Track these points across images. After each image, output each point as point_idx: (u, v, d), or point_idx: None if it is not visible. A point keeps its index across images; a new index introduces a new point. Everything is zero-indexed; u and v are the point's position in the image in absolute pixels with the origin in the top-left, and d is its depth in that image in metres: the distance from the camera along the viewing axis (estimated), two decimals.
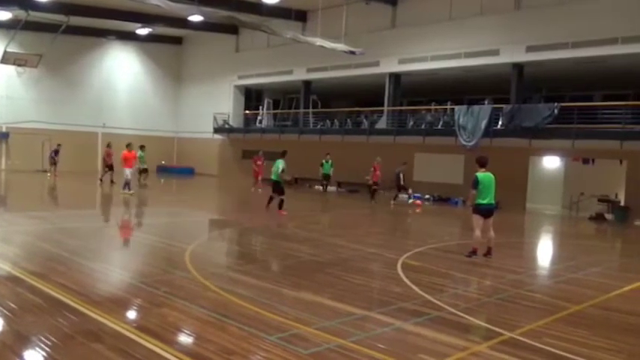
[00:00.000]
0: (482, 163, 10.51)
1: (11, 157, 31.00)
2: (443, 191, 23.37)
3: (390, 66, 25.84)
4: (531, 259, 11.80)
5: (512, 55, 21.85)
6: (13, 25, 26.20)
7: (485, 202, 10.14)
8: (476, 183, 10.12)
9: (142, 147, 23.05)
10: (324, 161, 24.33)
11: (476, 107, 22.71)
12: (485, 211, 10.12)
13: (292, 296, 6.80)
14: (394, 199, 21.13)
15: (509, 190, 21.26)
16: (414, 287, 7.49)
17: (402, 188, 21.12)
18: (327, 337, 5.24)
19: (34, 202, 17.87)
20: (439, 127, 24.22)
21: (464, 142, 22.42)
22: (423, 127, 24.64)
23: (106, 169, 23.14)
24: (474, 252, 10.08)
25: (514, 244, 13.23)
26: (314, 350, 4.89)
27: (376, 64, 26.07)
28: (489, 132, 21.89)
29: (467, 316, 6.17)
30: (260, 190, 22.40)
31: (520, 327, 5.87)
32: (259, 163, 24.74)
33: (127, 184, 18.83)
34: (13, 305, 5.90)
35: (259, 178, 24.23)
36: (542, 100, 24.64)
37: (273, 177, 15.55)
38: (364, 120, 27.71)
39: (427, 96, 29.32)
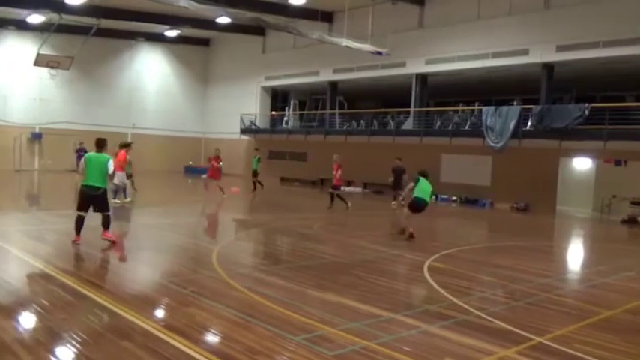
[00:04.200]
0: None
1: (44, 157, 31.77)
2: (470, 193, 23.13)
3: (417, 66, 25.70)
4: (561, 263, 11.58)
5: (542, 54, 21.51)
6: (46, 28, 26.83)
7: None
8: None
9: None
10: (253, 157, 23.59)
11: (504, 108, 22.41)
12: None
13: (317, 297, 6.81)
14: (397, 200, 19.40)
15: (538, 192, 21.01)
16: (440, 290, 7.43)
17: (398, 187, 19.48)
18: (352, 338, 5.24)
19: (65, 201, 18.26)
20: (466, 128, 23.98)
21: (492, 144, 22.15)
22: (449, 128, 24.43)
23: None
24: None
25: (543, 247, 13.01)
26: (339, 352, 4.89)
27: (403, 64, 25.96)
28: (518, 133, 21.59)
29: (495, 320, 6.09)
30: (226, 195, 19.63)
31: (549, 332, 5.77)
32: (217, 165, 20.06)
33: (123, 191, 16.28)
34: (45, 302, 6.05)
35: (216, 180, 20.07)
36: (573, 100, 24.19)
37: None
38: (390, 121, 27.59)
39: (454, 96, 29.07)
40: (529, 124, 21.74)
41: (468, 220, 18.51)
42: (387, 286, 7.77)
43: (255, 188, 23.04)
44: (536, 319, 6.31)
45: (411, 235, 11.69)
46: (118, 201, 15.93)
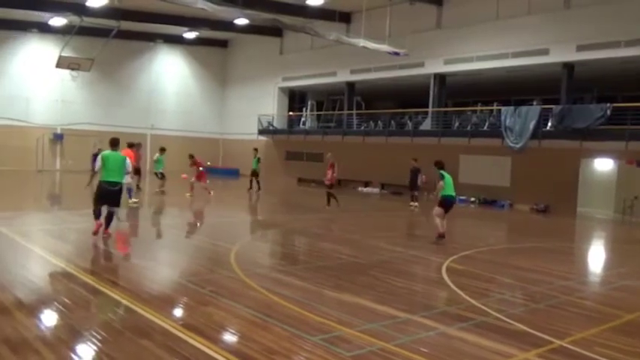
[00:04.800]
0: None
1: (65, 158, 32.26)
2: (489, 194, 22.93)
3: (435, 66, 25.57)
4: (582, 265, 11.42)
5: (562, 54, 21.25)
6: (68, 31, 27.24)
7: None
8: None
9: (161, 149, 20.50)
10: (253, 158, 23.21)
11: (524, 108, 22.19)
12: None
13: (334, 298, 6.81)
14: (414, 200, 19.50)
15: (559, 193, 20.75)
16: (458, 291, 7.38)
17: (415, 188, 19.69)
18: (369, 339, 5.23)
19: (86, 201, 18.48)
20: (485, 128, 23.80)
21: (511, 144, 21.94)
22: (468, 128, 24.25)
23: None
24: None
25: (564, 248, 12.83)
26: (356, 352, 4.89)
27: (421, 64, 25.84)
28: (538, 133, 21.36)
29: (514, 323, 6.03)
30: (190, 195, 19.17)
31: (570, 335, 5.69)
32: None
33: (129, 191, 15.66)
34: (67, 300, 6.14)
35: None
36: (594, 100, 23.86)
37: None
38: (408, 121, 27.48)
39: (473, 97, 28.87)
40: (549, 124, 21.50)
41: (486, 221, 18.34)
42: (405, 287, 7.73)
43: (250, 187, 22.72)
44: (556, 321, 6.23)
45: (442, 236, 11.46)
46: (135, 200, 16.15)
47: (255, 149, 23.92)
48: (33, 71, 31.20)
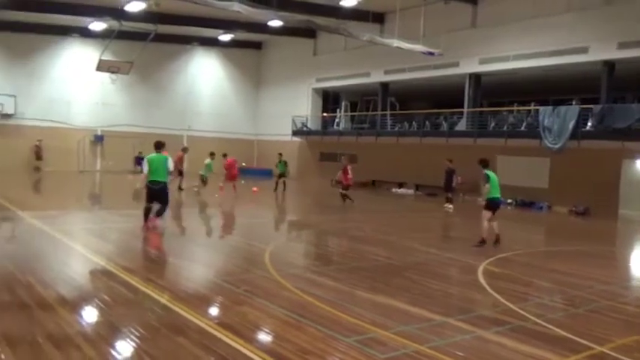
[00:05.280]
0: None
1: (105, 159, 33.09)
2: (526, 195, 22.48)
3: (471, 66, 25.21)
4: (624, 269, 11.09)
5: (602, 52, 20.66)
6: (107, 35, 27.96)
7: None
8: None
9: (211, 154, 20.86)
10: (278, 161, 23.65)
11: (562, 108, 21.67)
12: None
13: (368, 299, 6.80)
14: (448, 202, 19.39)
15: (599, 195, 20.19)
16: (495, 294, 7.26)
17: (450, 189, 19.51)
18: (403, 341, 5.19)
19: (125, 201, 18.95)
20: (522, 128, 23.34)
21: (549, 145, 21.46)
22: (505, 128, 23.83)
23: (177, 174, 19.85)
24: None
25: (605, 252, 12.49)
26: (391, 355, 4.87)
27: (456, 64, 25.53)
28: (577, 133, 20.83)
29: (553, 327, 5.90)
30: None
31: (611, 341, 5.54)
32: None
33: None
34: (106, 298, 6.30)
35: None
36: (636, 99, 23.10)
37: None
38: (443, 122, 27.19)
39: (509, 96, 28.34)
40: (589, 124, 20.94)
41: (523, 223, 17.98)
42: (440, 289, 7.66)
43: (276, 188, 23.13)
44: (596, 327, 6.07)
45: (484, 242, 10.99)
46: None
47: (280, 154, 24.23)
48: (74, 75, 32.13)
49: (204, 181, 20.87)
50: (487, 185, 11.00)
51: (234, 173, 20.42)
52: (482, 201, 11.28)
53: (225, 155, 20.86)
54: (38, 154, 30.59)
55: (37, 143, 30.53)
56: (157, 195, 11.02)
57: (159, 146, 11.15)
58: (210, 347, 4.83)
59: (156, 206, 11.23)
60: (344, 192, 18.60)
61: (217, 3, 18.21)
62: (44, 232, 10.60)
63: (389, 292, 7.12)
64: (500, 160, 23.29)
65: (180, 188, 20.24)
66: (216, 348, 4.82)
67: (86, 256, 8.72)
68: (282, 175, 23.34)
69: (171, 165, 11.09)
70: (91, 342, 4.86)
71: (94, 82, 32.00)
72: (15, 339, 4.83)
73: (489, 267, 9.13)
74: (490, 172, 11.13)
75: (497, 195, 11.17)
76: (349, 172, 18.82)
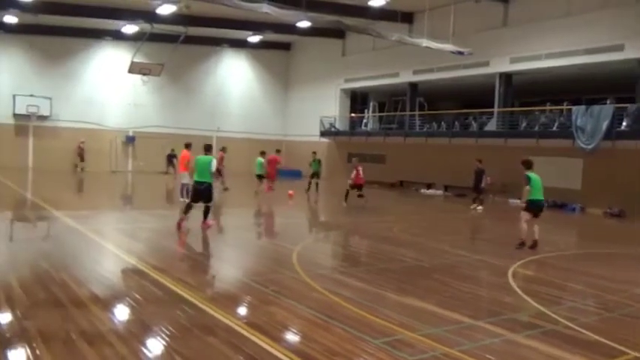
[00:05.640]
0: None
1: (137, 159, 33.69)
2: (558, 197, 22.02)
3: (501, 65, 24.85)
4: None
5: (638, 50, 20.12)
6: (139, 37, 28.47)
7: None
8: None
9: (262, 153, 21.36)
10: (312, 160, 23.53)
11: (596, 107, 21.17)
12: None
13: (397, 301, 6.76)
14: (477, 203, 19.15)
15: (635, 196, 19.63)
16: (526, 297, 7.14)
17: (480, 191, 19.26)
18: (432, 344, 5.15)
19: (157, 201, 19.27)
20: (554, 128, 22.88)
21: (582, 145, 21.00)
22: (536, 128, 23.40)
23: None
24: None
25: None
26: (419, 357, 4.83)
27: (486, 63, 25.20)
28: (612, 134, 20.32)
29: (586, 332, 5.77)
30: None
31: None
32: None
33: (186, 191, 15.75)
34: (138, 296, 6.42)
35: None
36: None
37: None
38: (472, 122, 26.86)
39: (541, 96, 27.82)
40: (624, 124, 20.40)
41: (555, 225, 17.61)
42: (469, 291, 7.57)
43: (309, 188, 23.10)
44: (631, 332, 5.92)
45: (523, 244, 10.83)
46: (186, 200, 16.41)
47: (314, 152, 24.16)
48: (107, 77, 32.82)
49: (260, 179, 20.85)
50: (527, 187, 10.85)
51: (271, 171, 20.69)
52: (521, 203, 11.12)
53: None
54: (81, 155, 31.33)
55: (81, 145, 31.25)
56: (201, 194, 11.54)
57: (208, 149, 11.88)
58: (239, 346, 4.87)
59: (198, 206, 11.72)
60: (359, 192, 18.97)
61: (246, 5, 18.37)
62: (78, 232, 10.85)
63: (417, 294, 7.07)
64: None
65: (225, 189, 20.75)
66: (244, 347, 4.86)
67: (118, 255, 8.90)
68: (315, 175, 23.29)
69: (214, 166, 11.59)
70: (123, 339, 4.95)
71: (126, 84, 32.61)
72: (49, 335, 4.96)
73: (520, 269, 8.99)
74: (532, 174, 10.94)
75: (539, 197, 10.95)
76: (360, 172, 19.37)
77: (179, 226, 11.40)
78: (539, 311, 6.51)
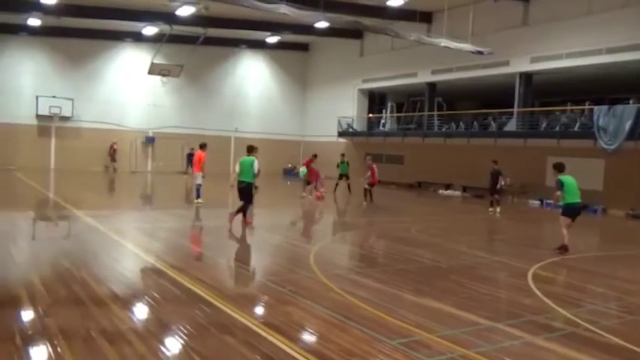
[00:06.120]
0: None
1: (156, 159, 34.03)
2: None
3: (521, 65, 24.58)
4: None
5: None
6: (159, 39, 28.77)
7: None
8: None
9: (314, 156, 21.28)
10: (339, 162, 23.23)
11: (618, 107, 20.83)
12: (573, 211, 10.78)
13: (414, 302, 6.73)
14: (495, 205, 18.64)
15: None
16: (545, 299, 7.05)
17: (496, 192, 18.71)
18: (450, 345, 5.11)
19: (175, 201, 19.43)
20: (575, 129, 22.56)
21: (604, 146, 20.68)
22: (557, 129, 23.11)
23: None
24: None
25: None
26: (436, 359, 4.80)
27: (506, 63, 24.95)
28: (635, 134, 19.98)
29: (607, 335, 5.68)
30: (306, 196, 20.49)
31: None
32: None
33: (197, 191, 16.36)
34: (156, 295, 6.48)
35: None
36: None
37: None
38: (492, 122, 26.62)
39: (562, 96, 27.49)
40: None
41: (576, 226, 17.33)
42: (488, 293, 7.50)
43: (335, 189, 22.91)
44: None
45: (566, 249, 10.54)
46: (200, 201, 16.36)
47: (343, 154, 24.03)
48: (127, 78, 33.19)
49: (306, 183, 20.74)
50: (558, 193, 10.57)
51: (311, 175, 20.49)
52: (552, 207, 10.98)
53: (315, 156, 21.19)
54: (112, 156, 31.72)
55: (114, 146, 31.62)
56: (241, 193, 12.13)
57: (250, 150, 12.29)
58: (256, 346, 4.89)
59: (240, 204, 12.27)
60: (369, 189, 19.62)
61: (264, 6, 18.44)
62: (98, 231, 11.00)
63: (435, 295, 7.03)
64: (551, 162, 22.61)
65: (255, 187, 20.64)
66: (261, 347, 4.88)
67: (137, 254, 8.99)
68: (343, 176, 23.04)
69: (256, 167, 11.97)
70: (142, 338, 5.00)
71: (146, 85, 32.94)
72: (70, 333, 5.03)
73: (539, 271, 8.88)
74: (565, 178, 10.58)
75: (575, 200, 10.63)
76: (376, 172, 19.83)
77: (231, 219, 12.17)
78: (559, 314, 6.43)
